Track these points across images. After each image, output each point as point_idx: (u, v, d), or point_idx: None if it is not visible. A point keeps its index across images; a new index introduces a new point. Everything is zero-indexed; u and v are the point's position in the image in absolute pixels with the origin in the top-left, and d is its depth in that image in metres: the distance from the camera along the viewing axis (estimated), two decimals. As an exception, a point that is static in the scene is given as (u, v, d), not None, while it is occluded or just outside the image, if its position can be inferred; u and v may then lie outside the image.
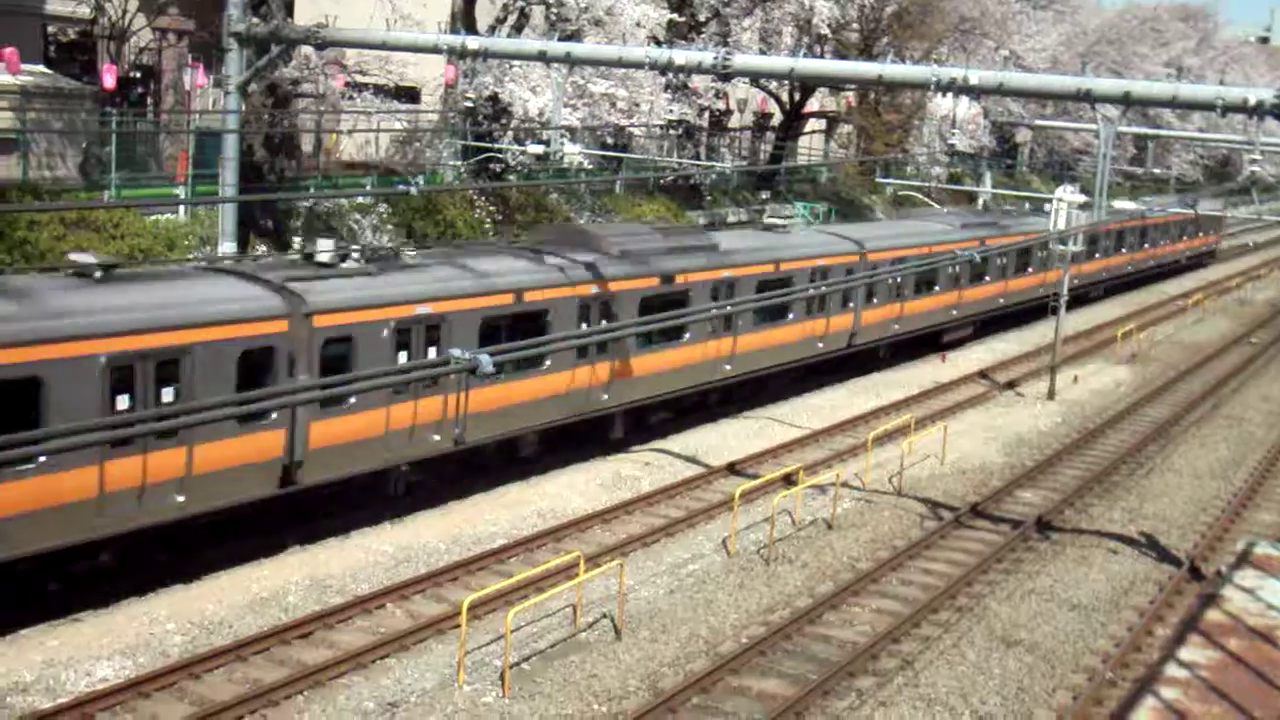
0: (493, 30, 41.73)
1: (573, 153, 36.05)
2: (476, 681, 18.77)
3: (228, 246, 30.53)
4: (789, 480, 28.17)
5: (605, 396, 29.30)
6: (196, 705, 17.49)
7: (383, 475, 24.86)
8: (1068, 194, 40.12)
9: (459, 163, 42.52)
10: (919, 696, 19.20)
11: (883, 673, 19.95)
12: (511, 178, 43.03)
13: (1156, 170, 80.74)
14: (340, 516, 24.44)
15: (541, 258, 28.15)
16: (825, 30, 55.04)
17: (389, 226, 37.51)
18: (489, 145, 41.19)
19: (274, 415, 21.64)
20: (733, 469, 29.90)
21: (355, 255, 24.77)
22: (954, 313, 45.12)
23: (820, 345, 37.26)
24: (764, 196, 58.65)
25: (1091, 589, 24.05)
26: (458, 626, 19.36)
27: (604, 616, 21.26)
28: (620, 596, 21.38)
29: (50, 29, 41.02)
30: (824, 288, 33.78)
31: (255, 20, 29.72)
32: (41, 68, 35.49)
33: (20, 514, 18.68)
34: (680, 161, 52.19)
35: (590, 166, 44.77)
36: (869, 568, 24.14)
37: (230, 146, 30.19)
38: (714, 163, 55.43)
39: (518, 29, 42.15)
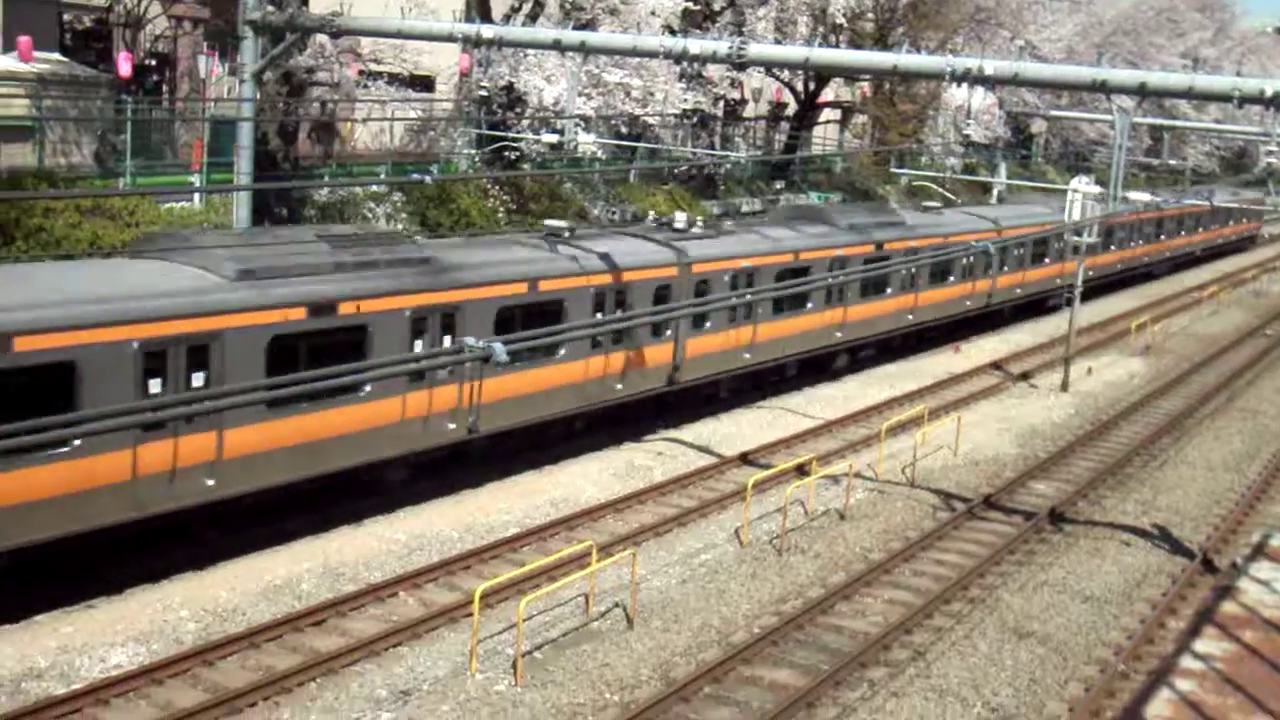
0: (507, 19, 41.68)
1: (587, 142, 36.39)
2: (488, 670, 18.81)
3: (242, 234, 30.57)
4: (802, 470, 28.15)
5: (839, 334, 38.00)
6: (210, 692, 17.55)
7: (715, 384, 33.84)
8: (1083, 185, 40.07)
9: (473, 152, 42.50)
10: (931, 687, 19.19)
11: (895, 663, 19.95)
12: (526, 167, 43.01)
13: (1172, 161, 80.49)
14: (351, 505, 24.52)
15: (802, 229, 36.82)
16: (840, 20, 54.83)
17: (403, 215, 37.51)
18: (503, 134, 41.16)
19: (668, 332, 30.56)
20: (745, 459, 29.89)
21: (699, 224, 33.64)
22: (1057, 281, 51.99)
23: (968, 303, 45.84)
24: (778, 186, 58.54)
25: (1104, 581, 24.01)
26: (470, 615, 19.37)
27: (616, 606, 21.28)
28: (632, 586, 21.39)
29: (66, 16, 41.03)
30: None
31: (270, 8, 29.72)
32: (57, 55, 35.51)
33: (545, 390, 27.43)
34: (695, 151, 52.10)
35: (604, 156, 44.75)
36: (881, 558, 24.13)
37: (245, 134, 30.21)
38: (728, 152, 55.29)
39: (532, 18, 42.09)
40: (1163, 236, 65.73)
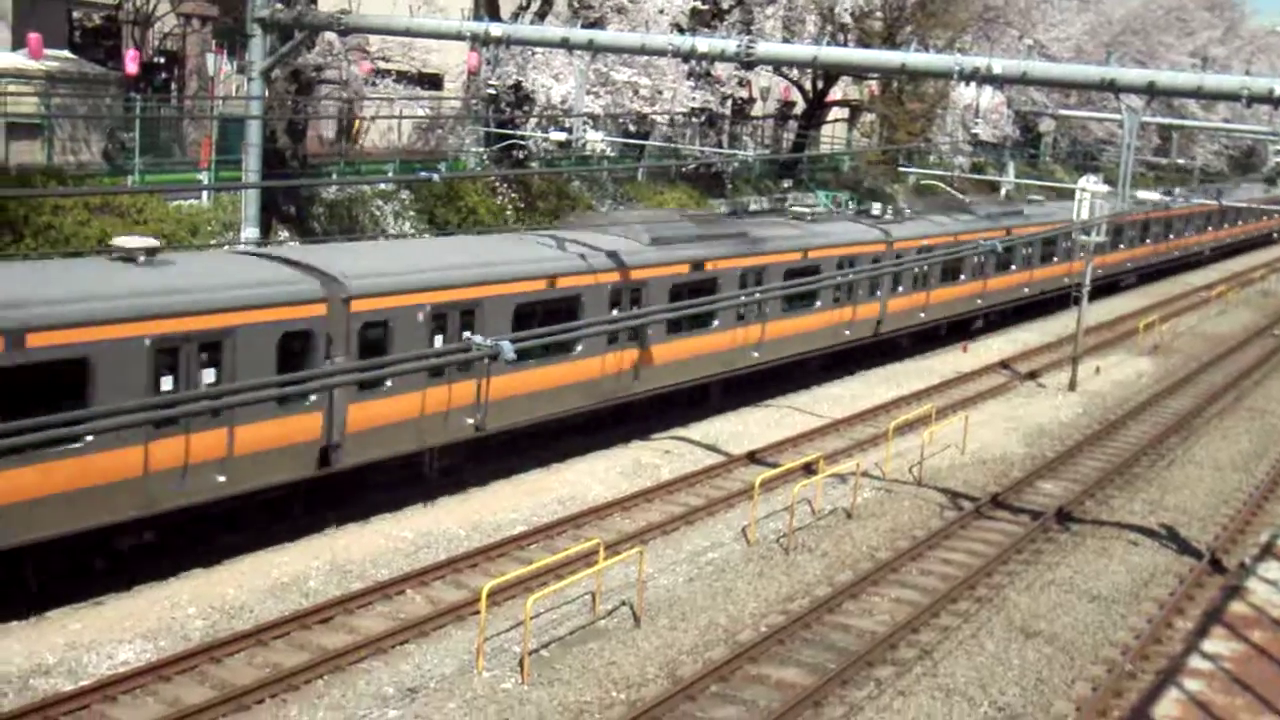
0: (516, 17, 41.67)
1: (595, 140, 36.36)
2: (495, 668, 18.82)
3: (250, 232, 30.60)
4: (809, 469, 28.14)
5: (979, 302, 46.43)
6: (217, 689, 17.58)
7: (900, 337, 42.44)
8: (1091, 184, 40.04)
9: (481, 150, 42.51)
10: (938, 687, 19.18)
11: (901, 662, 19.94)
12: (534, 165, 43.00)
13: (1180, 161, 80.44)
14: (365, 500, 24.54)
15: (955, 217, 45.38)
16: (848, 19, 54.80)
17: (410, 213, 37.53)
18: (511, 132, 41.17)
19: (877, 292, 39.11)
20: (753, 457, 29.89)
21: (889, 211, 42.42)
22: (1128, 265, 61.53)
23: (1065, 280, 51.09)
24: (786, 185, 58.52)
25: (1111, 580, 23.98)
26: (477, 613, 19.39)
27: (623, 604, 21.29)
28: (639, 584, 21.40)
29: (75, 14, 41.11)
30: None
31: (279, 6, 29.76)
32: (66, 53, 35.56)
33: (810, 331, 36.35)
34: (702, 150, 52.10)
35: (612, 154, 44.72)
36: (888, 557, 24.12)
37: (253, 132, 30.24)
38: (736, 151, 55.29)
39: (541, 16, 42.10)
40: (1209, 228, 74.68)
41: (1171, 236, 67.30)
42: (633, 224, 31.68)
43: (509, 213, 40.41)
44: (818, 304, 36.29)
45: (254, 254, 25.12)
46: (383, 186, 37.40)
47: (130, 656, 18.31)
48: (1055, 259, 51.45)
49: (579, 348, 27.85)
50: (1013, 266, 47.82)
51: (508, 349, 15.27)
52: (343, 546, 22.82)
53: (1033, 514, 27.20)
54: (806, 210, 39.38)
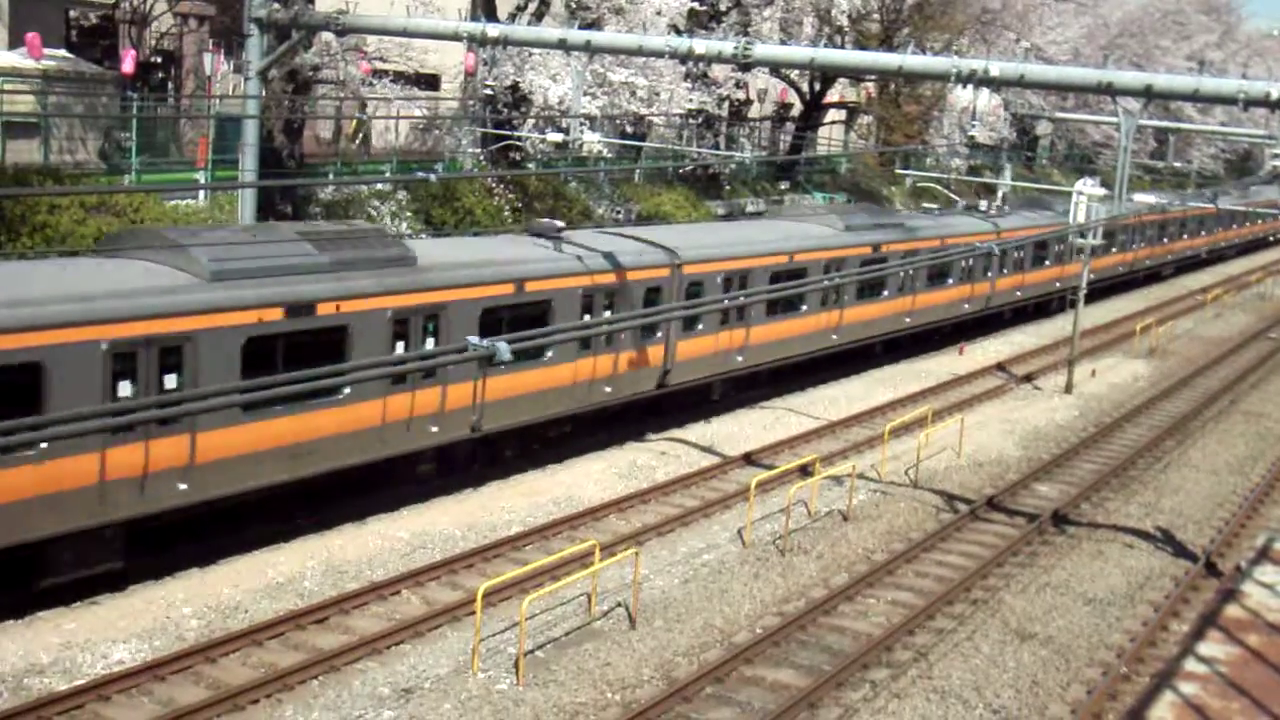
0: (513, 18, 41.64)
1: (592, 141, 36.33)
2: (491, 669, 18.81)
3: (247, 232, 30.49)
4: (805, 471, 28.14)
5: (1058, 284, 52.71)
6: (212, 689, 17.57)
7: (998, 314, 49.55)
8: (1088, 187, 40.06)
9: (478, 150, 42.47)
10: (933, 689, 19.18)
11: (897, 664, 19.94)
12: (530, 166, 42.97)
13: (1177, 164, 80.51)
14: (354, 503, 24.53)
15: (1040, 213, 52.16)
16: (845, 21, 54.82)
17: (407, 214, 37.50)
18: (508, 133, 41.15)
19: (989, 274, 46.08)
20: (749, 459, 29.88)
21: (988, 210, 49.68)
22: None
23: (1120, 269, 60.87)
24: (783, 187, 58.52)
25: (1107, 583, 23.99)
26: (472, 614, 19.38)
27: (619, 605, 21.28)
28: (635, 585, 21.39)
29: (72, 13, 41.08)
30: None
31: (276, 6, 29.72)
32: (63, 52, 35.54)
33: (943, 303, 43.95)
34: (699, 151, 52.09)
35: (609, 155, 44.69)
36: (884, 559, 24.11)
37: (250, 132, 30.21)
38: (733, 152, 55.24)
39: (538, 16, 42.06)
40: (1234, 225, 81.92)
41: (1203, 233, 74.53)
42: (827, 214, 39.92)
43: (506, 213, 40.37)
44: (949, 281, 43.77)
45: (613, 233, 32.12)
46: (379, 186, 37.37)
47: (125, 656, 18.29)
48: (1113, 250, 58.53)
49: (804, 306, 35.48)
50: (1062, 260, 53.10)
51: (504, 350, 15.25)
52: (338, 546, 22.81)
53: (1028, 517, 27.20)
54: (933, 206, 49.83)
